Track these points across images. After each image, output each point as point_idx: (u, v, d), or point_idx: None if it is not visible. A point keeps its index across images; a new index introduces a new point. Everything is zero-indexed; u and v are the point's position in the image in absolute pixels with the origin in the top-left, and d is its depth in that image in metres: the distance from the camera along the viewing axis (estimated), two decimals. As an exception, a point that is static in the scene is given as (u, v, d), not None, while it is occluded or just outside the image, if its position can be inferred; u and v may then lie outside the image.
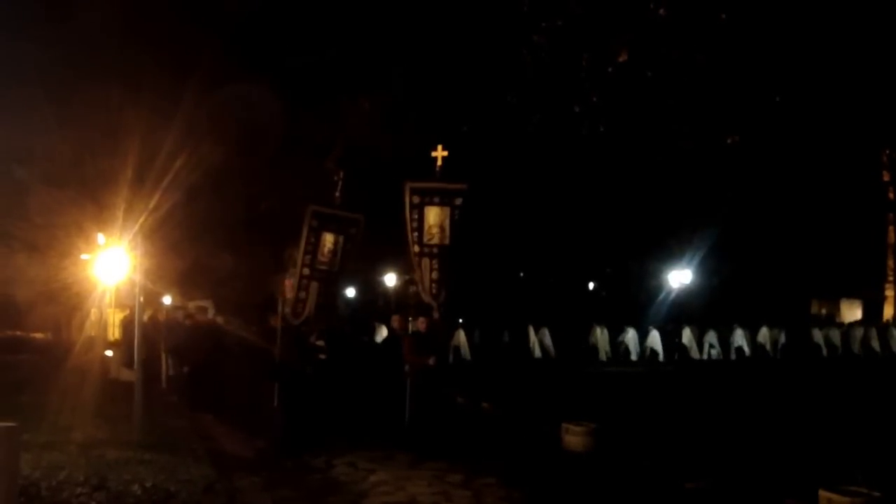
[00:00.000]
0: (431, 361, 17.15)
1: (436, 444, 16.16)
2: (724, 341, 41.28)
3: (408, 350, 17.65)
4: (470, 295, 18.77)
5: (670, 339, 39.74)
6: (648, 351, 39.37)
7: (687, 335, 40.18)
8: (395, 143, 27.17)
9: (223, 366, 20.41)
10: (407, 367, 17.57)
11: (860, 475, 12.09)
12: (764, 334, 41.69)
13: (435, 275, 18.27)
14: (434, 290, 18.26)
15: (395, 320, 20.35)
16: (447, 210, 18.33)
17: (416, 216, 18.37)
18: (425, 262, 18.28)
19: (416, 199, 18.41)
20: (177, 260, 32.60)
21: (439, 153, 18.55)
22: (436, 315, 18.10)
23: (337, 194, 19.15)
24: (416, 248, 18.35)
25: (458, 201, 18.35)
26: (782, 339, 41.88)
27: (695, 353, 40.38)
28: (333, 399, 18.49)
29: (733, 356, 40.98)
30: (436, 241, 18.31)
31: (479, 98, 25.02)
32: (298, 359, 18.45)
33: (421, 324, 17.80)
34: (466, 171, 18.82)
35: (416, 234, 18.38)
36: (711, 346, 40.90)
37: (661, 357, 39.28)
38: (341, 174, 19.27)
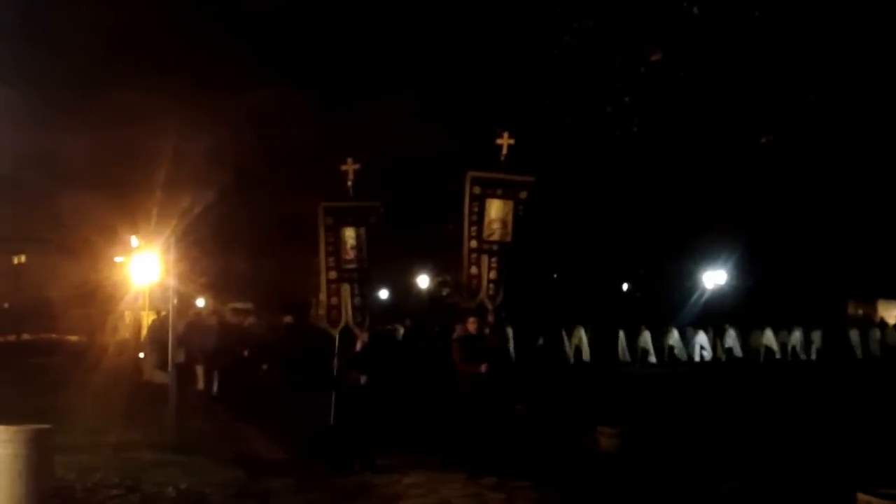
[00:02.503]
0: (483, 369, 15.30)
1: (492, 461, 14.80)
2: (744, 342, 41.40)
3: (457, 356, 15.87)
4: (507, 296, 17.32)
5: (662, 340, 39.79)
6: (640, 352, 39.30)
7: (675, 337, 40.11)
8: (424, 146, 27.17)
9: (258, 371, 20.21)
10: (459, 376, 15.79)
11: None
12: (769, 336, 41.47)
13: (493, 274, 16.67)
14: (491, 291, 16.63)
15: (472, 323, 17.10)
16: (510, 204, 16.75)
17: (475, 209, 16.78)
18: (484, 259, 16.70)
19: (478, 190, 16.81)
20: (209, 263, 32.71)
21: (505, 141, 16.87)
22: (491, 318, 16.44)
23: (349, 184, 17.09)
24: (474, 244, 16.75)
25: (524, 195, 16.81)
26: (792, 340, 41.76)
27: (682, 354, 40.30)
28: (385, 410, 16.56)
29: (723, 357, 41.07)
30: (496, 237, 16.71)
31: (511, 99, 24.93)
32: (349, 369, 16.19)
33: (471, 325, 16.04)
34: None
35: (474, 228, 16.79)
36: (702, 347, 40.84)
37: (651, 358, 39.27)
38: (353, 167, 17.02)
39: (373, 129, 26.57)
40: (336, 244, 16.92)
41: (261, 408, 19.67)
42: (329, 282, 16.92)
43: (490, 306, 16.56)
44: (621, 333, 38.31)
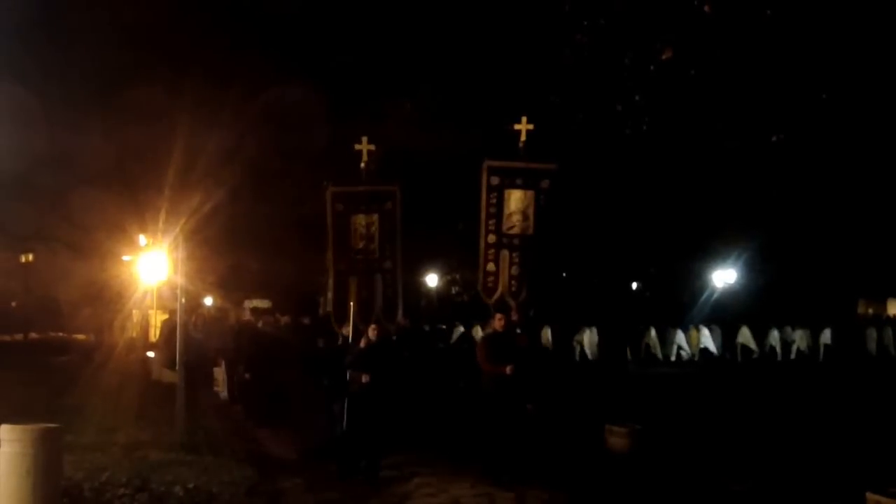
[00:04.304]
0: (508, 370, 14.37)
1: (503, 461, 14.39)
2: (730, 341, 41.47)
3: (482, 356, 14.97)
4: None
5: (639, 339, 39.78)
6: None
7: (652, 336, 40.04)
8: (435, 144, 27.10)
9: (280, 372, 19.86)
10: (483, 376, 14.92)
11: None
12: (745, 334, 41.34)
13: (515, 269, 15.85)
14: (513, 288, 15.86)
15: (499, 320, 15.84)
16: (531, 194, 15.91)
17: (493, 200, 15.94)
18: (504, 254, 15.87)
19: (496, 181, 15.97)
20: (219, 261, 32.69)
21: (523, 126, 16.13)
22: (514, 316, 15.51)
23: (362, 166, 16.11)
24: (492, 238, 15.95)
25: (545, 184, 16.00)
26: (771, 339, 41.72)
27: (658, 353, 40.33)
28: (393, 415, 15.71)
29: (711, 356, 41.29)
30: (517, 230, 15.90)
31: (521, 97, 24.85)
32: (352, 368, 14.89)
33: (498, 322, 15.03)
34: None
35: (492, 221, 15.95)
36: (680, 347, 40.82)
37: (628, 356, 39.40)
38: (368, 147, 16.03)
39: (387, 127, 26.44)
40: (346, 232, 15.97)
41: (275, 408, 19.57)
42: (338, 273, 16.04)
43: (513, 303, 15.83)
44: (587, 331, 38.29)
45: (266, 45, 28.24)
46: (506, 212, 16.01)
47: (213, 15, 28.42)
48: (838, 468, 14.52)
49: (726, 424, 19.39)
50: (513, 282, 15.97)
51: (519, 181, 16.06)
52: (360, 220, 15.95)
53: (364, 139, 16.29)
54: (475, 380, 15.49)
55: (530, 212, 15.98)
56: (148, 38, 29.10)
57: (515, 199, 16.02)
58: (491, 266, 16.03)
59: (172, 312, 28.43)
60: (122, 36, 29.26)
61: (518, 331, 15.62)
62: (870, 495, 11.18)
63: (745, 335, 41.22)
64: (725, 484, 14.03)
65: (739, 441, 17.34)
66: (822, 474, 14.25)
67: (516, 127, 16.21)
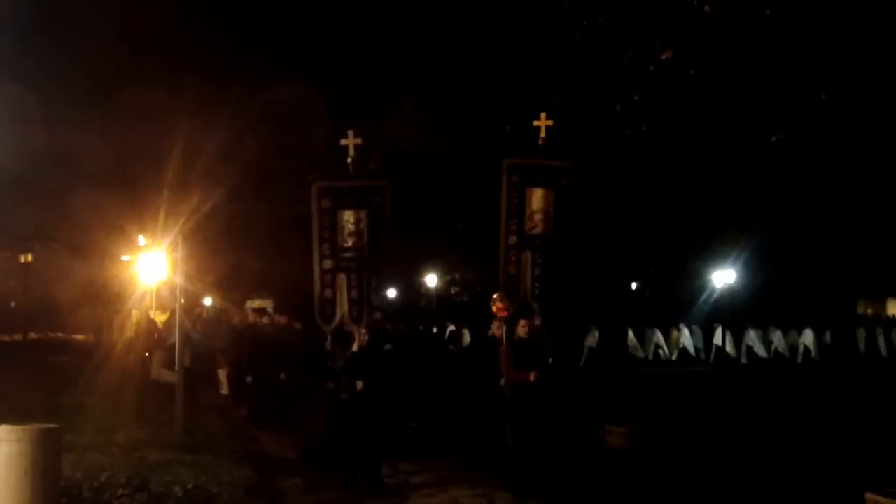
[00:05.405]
0: (532, 377, 13.92)
1: (548, 481, 13.81)
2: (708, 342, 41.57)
3: (506, 362, 14.46)
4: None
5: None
6: (586, 350, 39.07)
7: (630, 336, 40.03)
8: (437, 144, 27.06)
9: (282, 374, 19.64)
10: (503, 383, 14.45)
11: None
12: (718, 336, 41.35)
13: (538, 271, 15.24)
14: (537, 290, 15.26)
15: (496, 327, 16.21)
16: (552, 193, 15.34)
17: (515, 199, 15.35)
18: (526, 255, 15.25)
19: (516, 179, 15.38)
20: (218, 260, 32.64)
21: (542, 122, 15.57)
22: (537, 320, 14.94)
23: (349, 160, 15.33)
24: (514, 239, 15.31)
25: (564, 182, 15.45)
26: (748, 340, 41.74)
27: (639, 353, 40.45)
28: (390, 419, 15.34)
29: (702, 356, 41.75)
30: (539, 230, 15.28)
31: (520, 98, 24.81)
32: (343, 373, 14.54)
33: (522, 328, 14.48)
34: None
35: (514, 221, 15.33)
36: (658, 346, 40.83)
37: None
38: (355, 141, 15.25)
39: (388, 127, 26.40)
40: (333, 228, 15.14)
41: (279, 410, 19.49)
42: (323, 272, 15.22)
43: (536, 307, 15.24)
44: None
45: (266, 44, 28.20)
46: (527, 211, 15.42)
47: (213, 15, 28.39)
48: (838, 468, 14.51)
49: (723, 424, 19.39)
50: (536, 284, 15.38)
51: (539, 179, 15.50)
52: (349, 216, 15.19)
53: (350, 133, 15.46)
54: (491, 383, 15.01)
55: (551, 211, 15.41)
56: (148, 38, 29.10)
57: (537, 198, 15.42)
58: (513, 269, 15.44)
59: (147, 314, 28.36)
60: (121, 35, 29.27)
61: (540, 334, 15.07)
62: (869, 495, 11.19)
63: (718, 336, 41.30)
64: (725, 484, 14.01)
65: (738, 441, 17.33)
66: (821, 474, 14.23)
67: (535, 123, 15.65)
